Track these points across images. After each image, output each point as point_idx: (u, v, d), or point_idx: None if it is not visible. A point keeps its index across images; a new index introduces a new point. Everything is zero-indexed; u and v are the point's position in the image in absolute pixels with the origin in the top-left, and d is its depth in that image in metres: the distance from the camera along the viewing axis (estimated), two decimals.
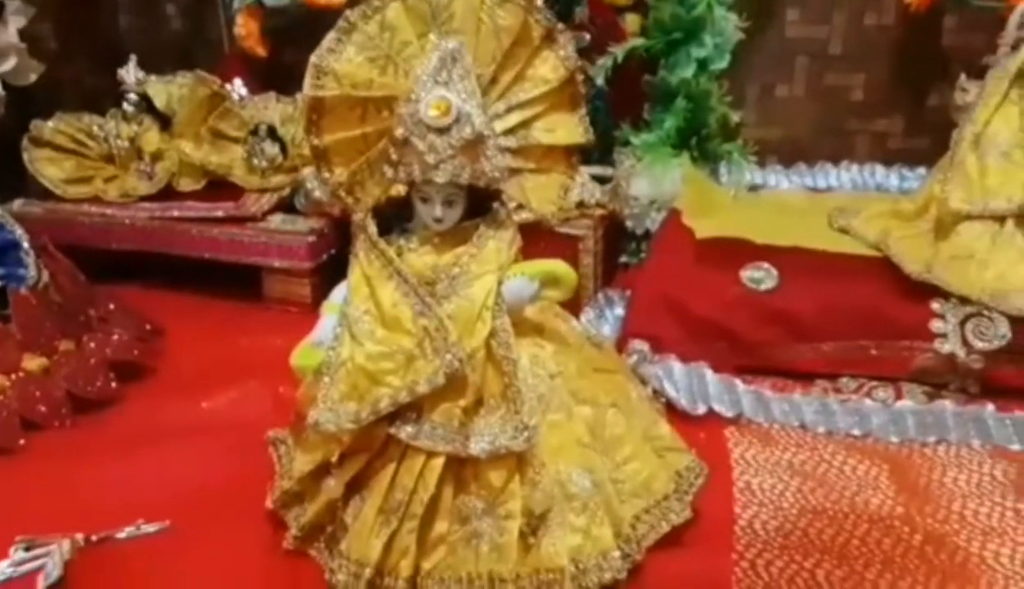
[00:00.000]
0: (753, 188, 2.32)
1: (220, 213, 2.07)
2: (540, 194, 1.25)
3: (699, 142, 2.24)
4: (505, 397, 1.12)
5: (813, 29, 2.36)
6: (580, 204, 1.90)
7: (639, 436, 1.25)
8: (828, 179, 2.43)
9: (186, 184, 2.21)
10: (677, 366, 1.67)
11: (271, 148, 2.23)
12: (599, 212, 1.92)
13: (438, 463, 1.10)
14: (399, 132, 1.12)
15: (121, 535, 1.24)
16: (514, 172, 1.23)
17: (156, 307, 1.98)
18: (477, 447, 1.10)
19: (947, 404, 1.60)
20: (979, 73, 1.95)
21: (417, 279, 1.15)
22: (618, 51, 2.11)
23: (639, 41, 2.13)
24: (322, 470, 1.20)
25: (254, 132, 2.26)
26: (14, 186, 2.27)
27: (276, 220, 2.08)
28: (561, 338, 1.24)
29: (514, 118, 1.21)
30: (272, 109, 2.36)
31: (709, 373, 1.67)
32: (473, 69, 1.15)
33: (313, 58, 1.16)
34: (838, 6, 2.33)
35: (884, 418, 1.60)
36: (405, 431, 1.11)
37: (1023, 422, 1.54)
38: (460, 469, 1.13)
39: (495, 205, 1.21)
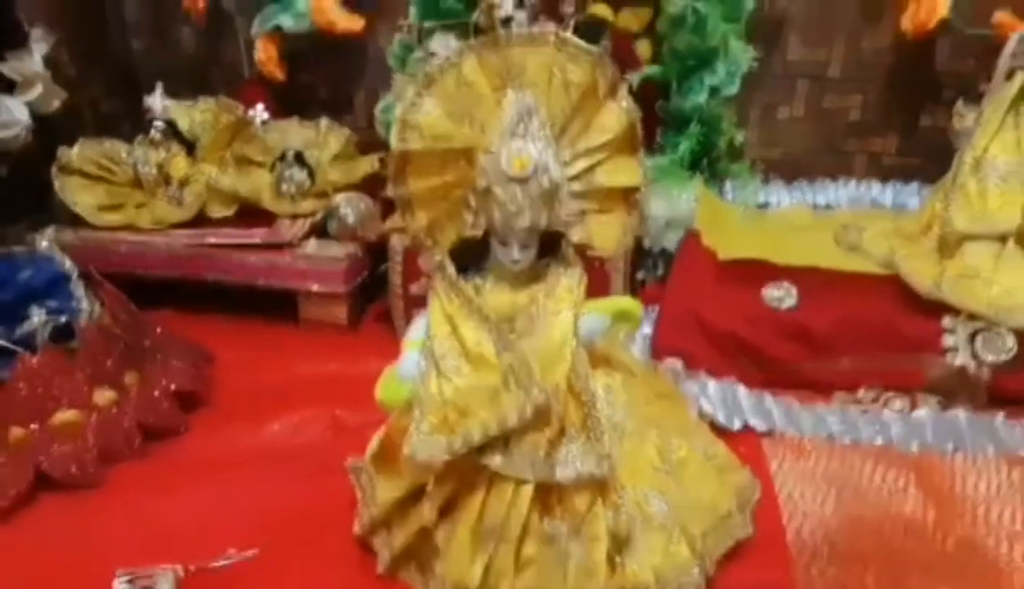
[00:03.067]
0: (760, 206, 2.42)
1: (257, 240, 2.11)
2: (603, 233, 1.34)
3: (709, 163, 2.33)
4: (585, 427, 1.21)
5: (813, 52, 2.47)
6: None
7: (700, 457, 1.35)
8: (827, 195, 2.54)
9: (217, 210, 2.24)
10: (711, 383, 1.77)
11: (299, 174, 2.29)
12: None
13: (528, 490, 1.19)
14: (481, 183, 1.21)
15: (216, 564, 1.31)
16: (579, 214, 1.32)
17: (195, 333, 2.02)
18: (563, 474, 1.19)
19: (960, 414, 1.72)
20: (975, 98, 2.09)
21: (496, 317, 1.23)
22: (634, 78, 2.19)
23: (655, 68, 2.22)
24: (407, 498, 1.28)
25: (281, 158, 2.31)
26: (39, 214, 2.30)
27: (311, 245, 2.12)
28: (627, 368, 1.33)
29: (580, 164, 1.30)
30: (295, 134, 2.41)
31: (741, 388, 1.77)
32: (547, 121, 1.23)
33: (398, 113, 1.24)
34: (837, 31, 2.44)
35: (902, 428, 1.71)
36: (495, 461, 1.19)
37: None
38: (545, 495, 1.22)
39: (563, 244, 1.30)
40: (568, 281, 1.26)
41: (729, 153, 2.42)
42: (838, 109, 2.52)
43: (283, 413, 1.73)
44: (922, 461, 1.63)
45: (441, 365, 1.22)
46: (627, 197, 1.36)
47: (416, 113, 1.23)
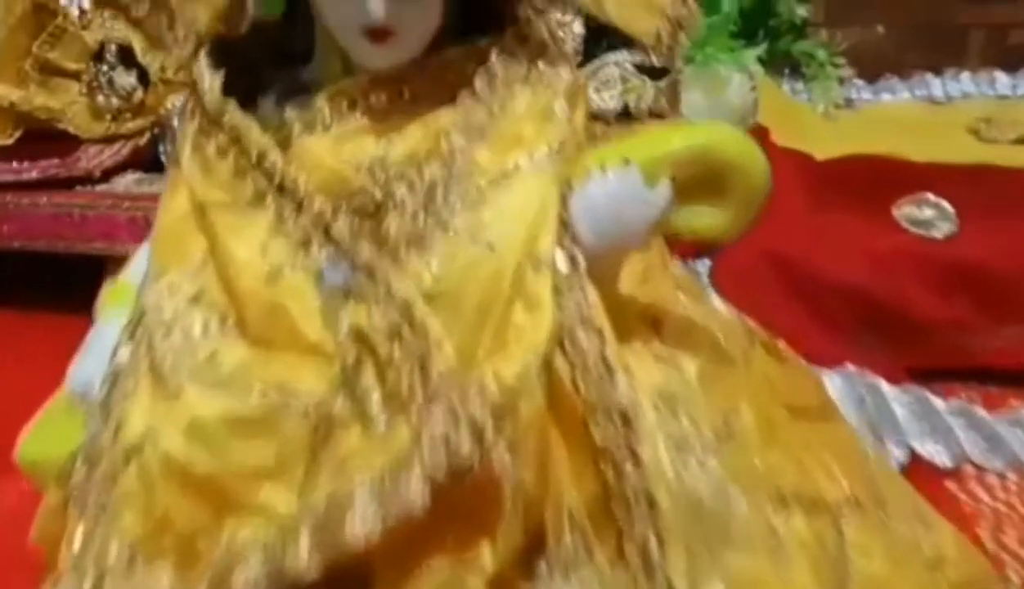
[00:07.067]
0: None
1: (34, 175, 1.37)
2: None
3: (767, 38, 1.58)
4: (608, 517, 0.38)
5: None
6: (627, 113, 1.18)
7: (905, 556, 0.52)
8: (930, 93, 1.79)
9: None
10: (831, 375, 0.99)
11: (124, 78, 1.55)
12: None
13: None
14: None
15: None
16: None
17: None
18: None
19: None
20: None
21: (335, 195, 0.45)
22: None
23: None
24: None
25: (98, 57, 1.55)
26: None
27: (126, 181, 1.38)
28: (707, 339, 0.50)
29: None
30: (128, 31, 1.64)
31: (885, 386, 1.01)
32: None
33: None
34: None
35: None
36: None
37: None
38: None
39: (523, 14, 0.48)
40: (542, 95, 0.43)
41: (792, 29, 1.67)
42: None
43: None
44: None
45: (162, 350, 0.39)
46: None
47: None
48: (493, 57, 0.48)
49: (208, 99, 0.47)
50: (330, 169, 0.45)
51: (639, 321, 0.49)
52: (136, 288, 0.49)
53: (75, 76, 1.60)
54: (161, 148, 1.44)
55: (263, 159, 0.44)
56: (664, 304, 0.52)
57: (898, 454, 0.90)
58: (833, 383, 0.99)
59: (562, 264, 0.41)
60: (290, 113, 0.48)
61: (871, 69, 1.83)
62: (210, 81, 0.47)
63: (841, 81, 1.74)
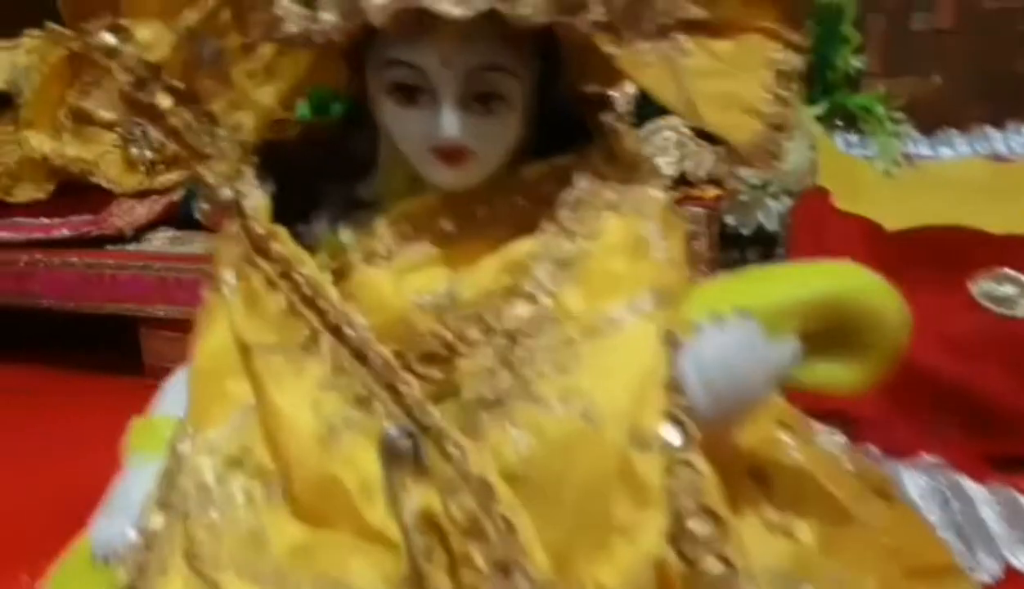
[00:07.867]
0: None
1: (65, 232, 1.34)
2: (720, 89, 0.45)
3: (825, 92, 1.51)
4: None
5: None
6: (685, 180, 1.13)
7: None
8: (993, 149, 1.73)
9: (23, 192, 1.46)
10: (914, 474, 0.90)
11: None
12: (711, 191, 1.15)
13: None
14: None
15: None
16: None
17: None
18: None
19: None
20: None
21: (400, 340, 0.36)
22: None
23: None
24: None
25: None
26: None
27: (158, 240, 1.35)
28: (821, 497, 0.43)
29: None
30: None
31: (971, 485, 0.93)
32: None
33: None
34: None
35: None
36: None
37: None
38: None
39: (606, 120, 0.41)
40: (634, 220, 0.37)
41: (847, 81, 1.62)
42: (1005, 12, 1.73)
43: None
44: None
45: (197, 520, 0.32)
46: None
47: None
48: (576, 177, 0.42)
49: (254, 224, 0.41)
50: (393, 308, 0.39)
51: (745, 477, 0.43)
52: (167, 428, 0.43)
53: (109, 126, 1.58)
54: (195, 205, 1.40)
55: (317, 297, 0.39)
56: (768, 449, 0.45)
57: (992, 567, 0.83)
58: (914, 481, 0.92)
59: (672, 437, 0.35)
60: (346, 235, 0.42)
61: (928, 120, 1.77)
62: (257, 202, 0.41)
63: (899, 136, 1.69)
